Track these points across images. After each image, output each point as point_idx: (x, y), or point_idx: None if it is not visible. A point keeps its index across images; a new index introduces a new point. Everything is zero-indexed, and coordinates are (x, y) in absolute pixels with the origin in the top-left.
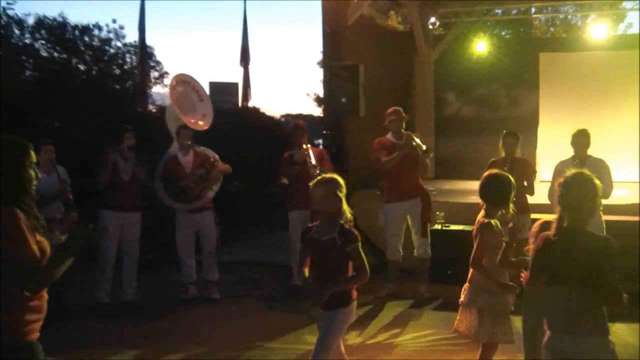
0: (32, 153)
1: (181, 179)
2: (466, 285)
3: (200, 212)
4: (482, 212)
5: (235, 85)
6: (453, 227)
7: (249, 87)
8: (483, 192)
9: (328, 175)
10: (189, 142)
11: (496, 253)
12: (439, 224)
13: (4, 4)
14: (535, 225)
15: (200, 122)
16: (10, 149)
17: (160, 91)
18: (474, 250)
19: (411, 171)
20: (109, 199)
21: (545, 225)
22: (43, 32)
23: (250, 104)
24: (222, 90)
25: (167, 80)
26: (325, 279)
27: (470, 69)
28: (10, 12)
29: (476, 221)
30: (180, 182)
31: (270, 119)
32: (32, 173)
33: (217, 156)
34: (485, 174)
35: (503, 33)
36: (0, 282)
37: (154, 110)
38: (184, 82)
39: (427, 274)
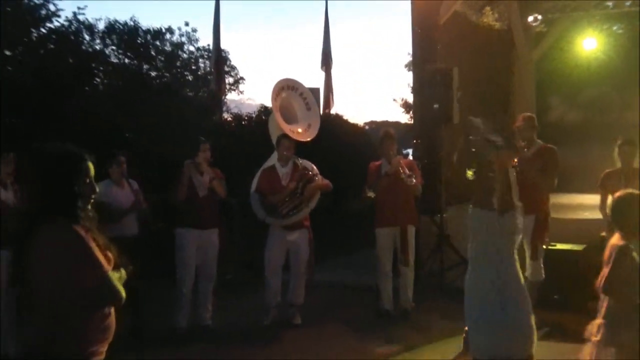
0: (90, 164)
1: (277, 192)
2: (600, 321)
3: (295, 230)
4: (616, 235)
5: (317, 91)
6: (560, 246)
7: (331, 92)
8: (618, 216)
9: None
10: (288, 153)
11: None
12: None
13: (74, 9)
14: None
15: (302, 132)
16: (64, 158)
17: (235, 98)
18: (606, 276)
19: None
20: (186, 216)
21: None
22: (114, 37)
23: (333, 111)
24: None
25: (243, 87)
26: None
27: (577, 69)
28: (81, 18)
29: (609, 244)
30: (275, 195)
31: (354, 127)
32: (89, 185)
33: (316, 170)
34: (619, 194)
35: (614, 28)
36: (67, 305)
37: (229, 119)
38: (290, 88)
39: (536, 300)
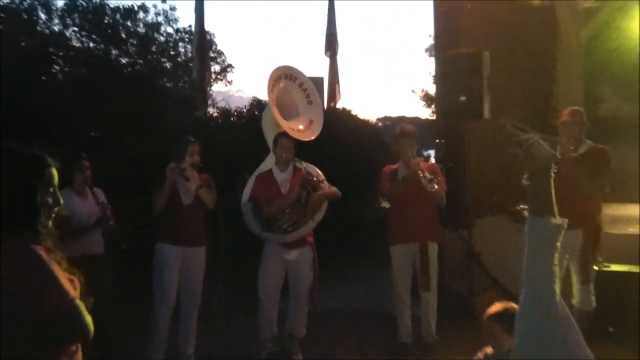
0: (54, 170)
1: (275, 201)
2: None
3: (296, 247)
4: None
5: (320, 80)
6: (614, 267)
7: (337, 83)
8: None
9: None
10: (287, 155)
11: None
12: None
13: None
14: None
15: (303, 130)
16: (17, 162)
17: (222, 90)
18: None
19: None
20: (166, 229)
21: None
22: (76, 16)
23: (339, 104)
24: None
25: (232, 76)
26: None
27: (635, 53)
28: None
29: None
30: (273, 206)
31: (365, 123)
32: (53, 195)
33: (322, 175)
34: None
35: None
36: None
37: (215, 114)
38: (288, 78)
39: (586, 332)
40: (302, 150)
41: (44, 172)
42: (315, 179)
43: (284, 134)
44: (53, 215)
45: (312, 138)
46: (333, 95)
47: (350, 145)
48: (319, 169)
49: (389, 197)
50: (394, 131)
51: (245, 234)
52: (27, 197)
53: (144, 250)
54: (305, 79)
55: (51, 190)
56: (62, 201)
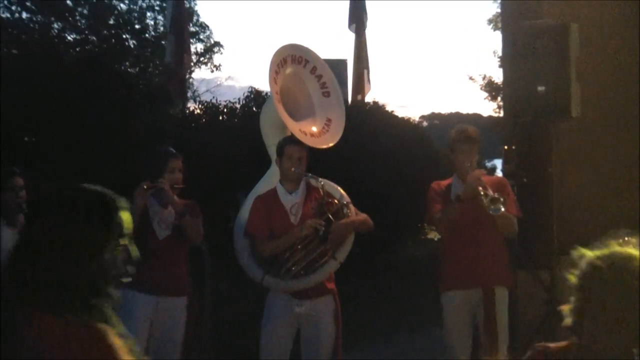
0: (127, 214)
1: (281, 235)
2: None
3: (312, 298)
4: None
5: (342, 64)
6: None
7: (366, 67)
8: None
9: None
10: (298, 169)
11: None
12: None
13: None
14: None
15: (318, 133)
16: (96, 207)
17: (207, 77)
18: None
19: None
20: (136, 272)
21: None
22: None
23: (369, 97)
24: None
25: (220, 59)
26: None
27: None
28: None
29: None
30: (279, 240)
31: (405, 123)
32: (123, 254)
33: (347, 197)
34: None
35: None
36: None
37: (198, 111)
38: (297, 61)
39: None
40: (318, 161)
41: (113, 220)
42: (337, 201)
43: (292, 140)
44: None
45: (331, 144)
46: (360, 84)
47: (385, 153)
48: (342, 187)
49: (439, 224)
50: (447, 134)
51: (241, 279)
52: (87, 257)
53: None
54: (321, 62)
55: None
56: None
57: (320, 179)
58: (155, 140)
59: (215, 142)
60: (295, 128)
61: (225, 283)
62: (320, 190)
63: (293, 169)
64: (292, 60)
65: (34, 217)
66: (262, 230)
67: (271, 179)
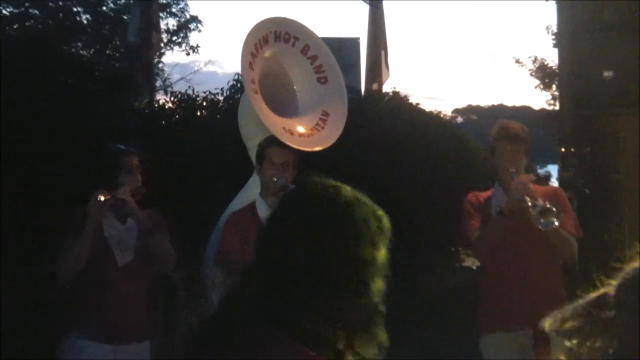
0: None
1: None
2: None
3: None
4: None
5: (354, 43)
6: None
7: (384, 49)
8: None
9: None
10: (284, 177)
11: None
12: None
13: None
14: None
15: (309, 132)
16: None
17: (182, 60)
18: None
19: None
20: (85, 313)
21: None
22: None
23: (387, 85)
24: None
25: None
26: None
27: None
28: None
29: None
30: None
31: (433, 118)
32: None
33: None
34: None
35: None
36: None
37: (170, 105)
38: (283, 38)
39: None
40: (330, 161)
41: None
42: None
43: (275, 141)
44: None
45: (328, 145)
46: (376, 69)
47: (407, 157)
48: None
49: (477, 247)
50: (487, 132)
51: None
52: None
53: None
54: (315, 40)
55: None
56: None
57: None
58: (115, 141)
59: (192, 143)
60: (277, 126)
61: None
62: None
63: (275, 179)
64: (276, 37)
65: (301, 231)
66: (236, 256)
67: (252, 191)
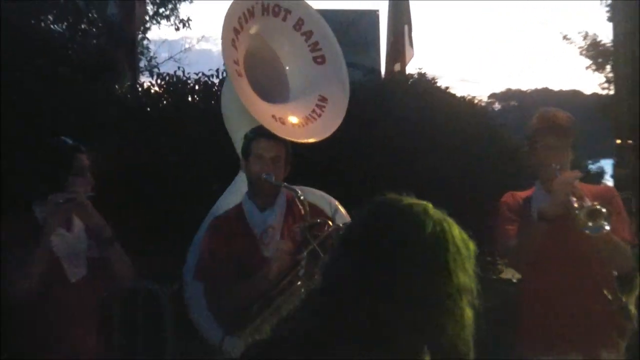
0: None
1: (250, 277)
2: None
3: None
4: None
5: (372, 17)
6: None
7: (408, 23)
8: None
9: None
10: (271, 177)
11: None
12: None
13: None
14: None
15: (303, 121)
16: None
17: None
18: None
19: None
20: (29, 338)
21: None
22: None
23: (411, 66)
24: (339, 34)
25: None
26: None
27: None
28: None
29: None
30: (246, 287)
31: (466, 104)
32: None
33: (344, 213)
34: None
35: None
36: None
37: (156, 89)
38: (271, 11)
39: None
40: (325, 159)
41: None
42: (330, 223)
43: (261, 132)
44: None
45: (326, 135)
46: (398, 47)
47: (434, 150)
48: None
49: (516, 256)
50: (528, 122)
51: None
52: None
53: None
54: (310, 12)
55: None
56: None
57: (299, 190)
58: (91, 131)
59: (182, 133)
60: (265, 114)
61: (195, 342)
62: (302, 208)
63: (264, 176)
64: (264, 10)
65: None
66: (219, 270)
67: (240, 191)
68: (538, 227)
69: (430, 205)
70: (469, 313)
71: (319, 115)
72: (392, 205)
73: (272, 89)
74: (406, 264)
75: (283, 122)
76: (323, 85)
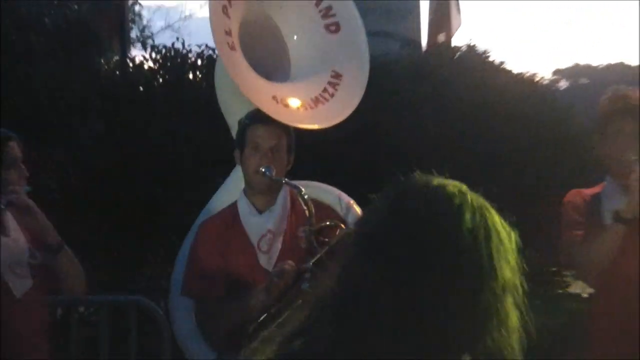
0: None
1: (245, 291)
2: None
3: None
4: None
5: None
6: None
7: None
8: None
9: None
10: (271, 171)
11: None
12: None
13: None
14: None
15: (313, 101)
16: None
17: (166, 3)
18: None
19: None
20: None
21: None
22: None
23: (457, 39)
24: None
25: None
26: None
27: None
28: None
29: None
30: (240, 303)
31: (525, 81)
32: None
33: (353, 205)
34: None
35: None
36: None
37: (150, 65)
38: None
39: None
40: (375, 140)
41: None
42: (342, 225)
43: (258, 117)
44: None
45: (338, 120)
46: (443, 16)
47: (485, 134)
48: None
49: (584, 265)
50: (598, 103)
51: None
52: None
53: None
54: None
55: None
56: None
57: (302, 188)
58: (75, 115)
59: (180, 116)
60: (264, 95)
61: None
62: (306, 208)
63: (262, 170)
64: None
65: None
66: (209, 284)
67: (238, 188)
68: (613, 231)
69: (465, 187)
70: (514, 316)
71: (332, 95)
72: (420, 188)
73: (274, 64)
74: (441, 261)
75: (286, 105)
76: (337, 58)
